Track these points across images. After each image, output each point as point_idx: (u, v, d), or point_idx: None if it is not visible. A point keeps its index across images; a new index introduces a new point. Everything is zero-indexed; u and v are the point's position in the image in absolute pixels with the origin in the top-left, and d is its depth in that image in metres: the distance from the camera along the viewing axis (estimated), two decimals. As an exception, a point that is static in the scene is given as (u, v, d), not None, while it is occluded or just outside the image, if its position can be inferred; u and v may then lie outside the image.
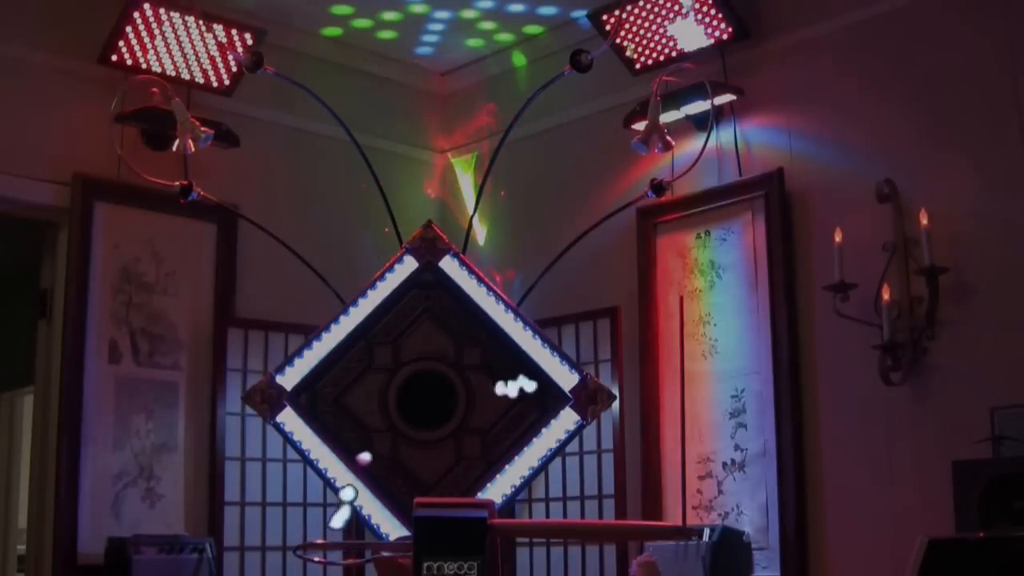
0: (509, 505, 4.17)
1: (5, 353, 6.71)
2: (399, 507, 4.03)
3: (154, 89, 4.34)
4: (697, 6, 4.44)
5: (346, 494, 3.60)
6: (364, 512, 4.06)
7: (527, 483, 4.19)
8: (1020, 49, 3.78)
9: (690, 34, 4.49)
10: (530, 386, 3.97)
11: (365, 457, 3.91)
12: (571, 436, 4.16)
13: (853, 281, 3.93)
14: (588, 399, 4.12)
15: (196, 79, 4.67)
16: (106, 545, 4.17)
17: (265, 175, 4.97)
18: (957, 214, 3.84)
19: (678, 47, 4.55)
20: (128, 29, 4.46)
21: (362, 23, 5.08)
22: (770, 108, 4.42)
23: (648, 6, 4.55)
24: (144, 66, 4.50)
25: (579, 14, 4.88)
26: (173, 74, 4.58)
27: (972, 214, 3.83)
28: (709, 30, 4.46)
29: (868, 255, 3.98)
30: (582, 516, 4.53)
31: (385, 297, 4.22)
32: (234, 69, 4.71)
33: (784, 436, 4.15)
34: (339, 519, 3.60)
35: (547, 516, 4.64)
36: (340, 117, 4.36)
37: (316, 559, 4.22)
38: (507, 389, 4.00)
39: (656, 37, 4.60)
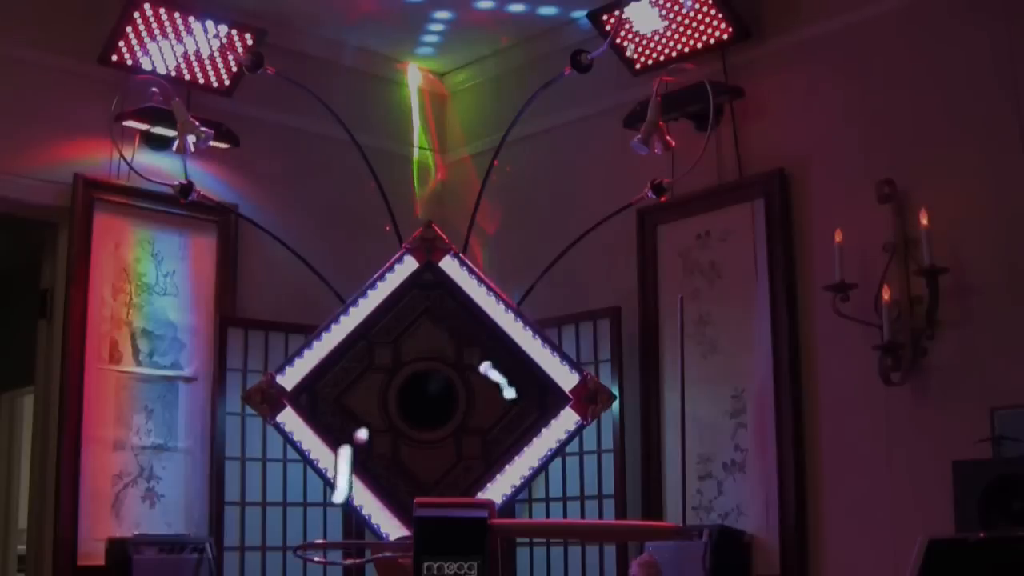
0: (509, 505, 4.18)
1: (5, 353, 6.71)
2: (399, 507, 4.03)
3: (154, 89, 4.35)
4: (697, 6, 4.44)
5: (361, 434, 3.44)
6: (364, 512, 4.07)
7: (527, 483, 4.20)
8: (1020, 49, 3.78)
9: (690, 34, 4.49)
10: (509, 393, 3.95)
11: (361, 435, 3.90)
12: (571, 436, 4.17)
13: (853, 281, 3.93)
14: (588, 399, 4.12)
15: (196, 79, 4.67)
16: (106, 545, 4.17)
17: (265, 175, 4.97)
18: (957, 214, 3.84)
19: (679, 47, 4.55)
20: (128, 29, 4.46)
21: (362, 23, 5.08)
22: (770, 108, 4.42)
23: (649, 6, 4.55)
24: (144, 66, 4.51)
25: (579, 14, 4.88)
26: (173, 74, 4.58)
27: (972, 214, 3.83)
28: (709, 30, 4.46)
29: (868, 255, 3.98)
30: (582, 516, 4.53)
31: (385, 297, 4.23)
32: (234, 69, 4.71)
33: (784, 436, 4.15)
34: (342, 485, 3.38)
35: (547, 516, 4.64)
36: (340, 117, 4.36)
37: (316, 559, 4.22)
38: (491, 372, 3.98)
39: (656, 37, 4.60)
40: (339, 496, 3.50)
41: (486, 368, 3.92)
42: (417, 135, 5.53)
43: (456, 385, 4.18)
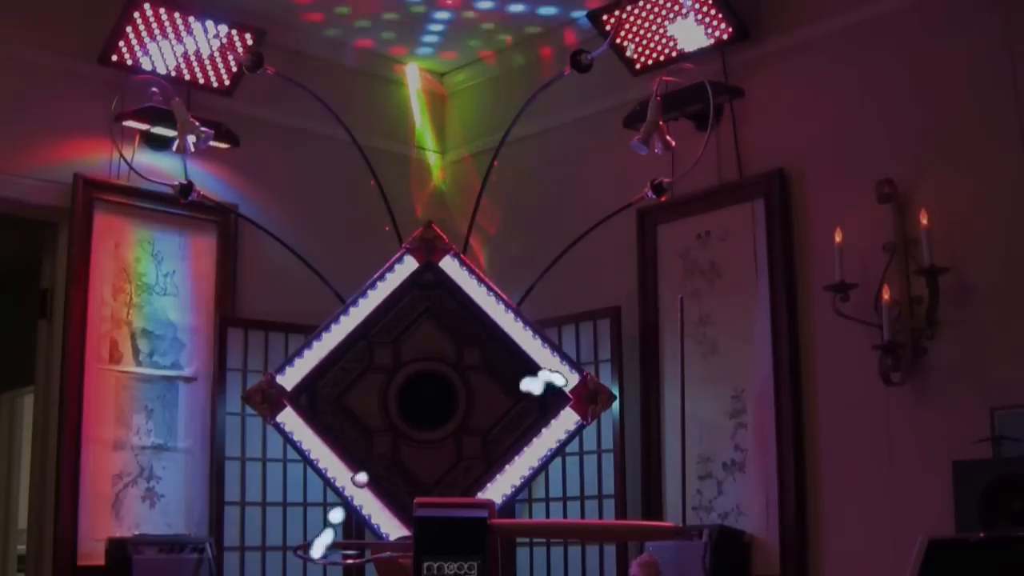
0: (509, 505, 4.18)
1: (5, 353, 6.71)
2: (399, 507, 4.03)
3: (154, 89, 4.34)
4: (697, 6, 4.44)
5: (335, 516, 3.49)
6: (364, 512, 4.06)
7: (527, 483, 4.19)
8: (1020, 49, 3.78)
9: (690, 34, 4.49)
10: (560, 380, 3.99)
11: (361, 479, 3.88)
12: (571, 436, 4.17)
13: (853, 281, 3.94)
14: (588, 399, 4.12)
15: (196, 79, 4.67)
16: (106, 545, 4.17)
17: (265, 175, 4.97)
18: (957, 214, 3.84)
19: (678, 47, 4.55)
20: (128, 29, 4.46)
21: (362, 23, 5.08)
22: (770, 108, 4.42)
23: (648, 6, 4.56)
24: (144, 66, 4.51)
25: (579, 14, 4.88)
26: (173, 74, 4.58)
27: (972, 214, 3.83)
28: (709, 30, 4.46)
29: (868, 255, 3.98)
30: (582, 516, 4.53)
31: (385, 297, 4.23)
32: (234, 69, 4.71)
33: (784, 436, 4.15)
34: (320, 547, 3.40)
35: (547, 516, 4.64)
36: (340, 117, 4.36)
37: (316, 559, 4.22)
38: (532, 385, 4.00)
39: (656, 37, 4.61)
40: (316, 553, 3.44)
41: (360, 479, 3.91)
42: (417, 135, 5.53)
43: (456, 385, 4.18)
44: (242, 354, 4.67)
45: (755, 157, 4.43)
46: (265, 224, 4.50)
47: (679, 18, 4.51)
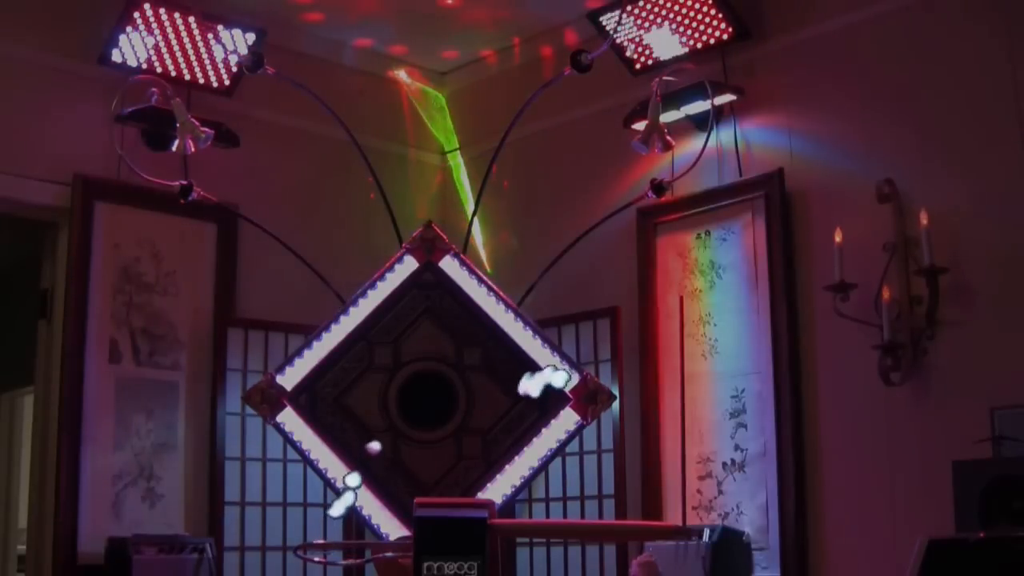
0: (509, 505, 4.17)
1: (5, 353, 6.71)
2: (399, 507, 4.03)
3: (154, 89, 4.34)
4: (698, 6, 4.44)
5: (352, 480, 3.62)
6: (364, 512, 4.06)
7: (527, 483, 4.19)
8: (1019, 49, 3.78)
9: (666, 43, 4.50)
10: (560, 380, 3.99)
11: (374, 446, 3.91)
12: (571, 436, 4.16)
13: (853, 281, 3.93)
14: (588, 399, 4.12)
15: (196, 79, 4.67)
16: (106, 545, 4.17)
17: (265, 175, 4.97)
18: (957, 214, 3.84)
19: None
20: (128, 29, 4.46)
21: (362, 23, 5.08)
22: (770, 108, 4.42)
23: (648, 6, 4.56)
24: (144, 66, 4.51)
25: (579, 14, 4.88)
26: (173, 74, 4.58)
27: (972, 214, 3.83)
28: (709, 30, 4.46)
29: (868, 255, 3.98)
30: (582, 516, 4.53)
31: (385, 297, 4.23)
32: (234, 69, 4.71)
33: (784, 436, 4.15)
34: (340, 506, 3.62)
35: (547, 516, 4.64)
36: (340, 117, 4.36)
37: (316, 559, 4.22)
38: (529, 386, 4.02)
39: (656, 37, 4.60)
40: (335, 511, 3.64)
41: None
42: (417, 135, 5.53)
43: (456, 385, 4.18)
44: (242, 354, 4.67)
45: (755, 157, 4.43)
46: (265, 224, 4.50)
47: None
